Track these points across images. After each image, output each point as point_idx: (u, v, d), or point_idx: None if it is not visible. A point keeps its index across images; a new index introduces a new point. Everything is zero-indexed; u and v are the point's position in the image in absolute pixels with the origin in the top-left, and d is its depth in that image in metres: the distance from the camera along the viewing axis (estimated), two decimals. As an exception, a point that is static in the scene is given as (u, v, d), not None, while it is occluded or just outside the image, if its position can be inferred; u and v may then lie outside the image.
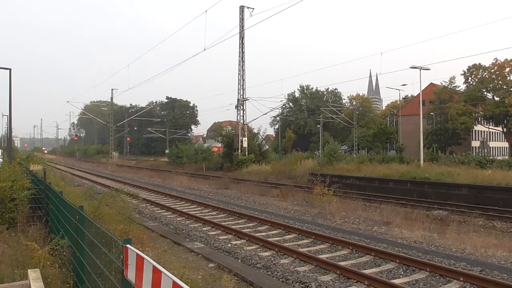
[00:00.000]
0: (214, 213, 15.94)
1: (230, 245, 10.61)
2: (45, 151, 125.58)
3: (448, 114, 54.66)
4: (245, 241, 11.11)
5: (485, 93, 55.58)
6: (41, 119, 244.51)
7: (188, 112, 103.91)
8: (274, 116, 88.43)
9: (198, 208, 17.09)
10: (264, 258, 9.23)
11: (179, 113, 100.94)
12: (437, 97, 58.26)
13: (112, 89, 52.90)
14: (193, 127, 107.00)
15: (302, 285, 7.48)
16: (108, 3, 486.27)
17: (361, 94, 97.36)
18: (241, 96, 38.78)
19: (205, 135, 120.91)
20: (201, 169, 40.43)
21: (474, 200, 18.19)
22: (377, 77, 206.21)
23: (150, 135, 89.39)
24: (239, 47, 37.97)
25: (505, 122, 54.97)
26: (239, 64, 38.32)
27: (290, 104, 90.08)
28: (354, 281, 7.70)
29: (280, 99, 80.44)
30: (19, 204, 9.24)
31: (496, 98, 53.93)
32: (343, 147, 58.47)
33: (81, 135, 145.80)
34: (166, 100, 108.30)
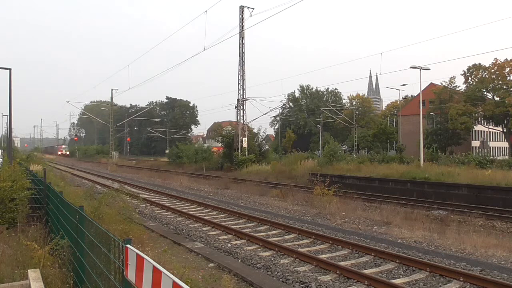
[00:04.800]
0: (214, 213, 15.94)
1: (230, 245, 10.61)
2: (65, 151, 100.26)
3: (448, 114, 54.69)
4: (245, 241, 11.11)
5: (485, 93, 55.61)
6: (41, 119, 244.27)
7: (188, 112, 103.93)
8: (274, 116, 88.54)
9: (198, 208, 17.09)
10: (264, 258, 9.23)
11: (179, 113, 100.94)
12: (437, 97, 58.30)
13: (112, 89, 52.98)
14: (193, 127, 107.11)
15: (302, 285, 7.48)
16: (108, 3, 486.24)
17: (361, 94, 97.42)
18: (241, 96, 38.79)
19: (205, 135, 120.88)
20: (201, 169, 40.42)
21: (474, 200, 18.19)
22: (377, 77, 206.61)
23: (150, 135, 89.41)
24: (239, 47, 37.99)
25: (505, 122, 55.02)
26: (239, 64, 38.35)
27: (290, 104, 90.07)
28: (354, 281, 7.70)
29: (280, 99, 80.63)
30: (19, 204, 9.23)
31: (496, 98, 53.95)
32: (343, 147, 58.46)
33: (81, 135, 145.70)
34: (166, 100, 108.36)
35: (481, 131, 66.03)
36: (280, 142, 79.84)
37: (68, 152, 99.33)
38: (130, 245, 3.38)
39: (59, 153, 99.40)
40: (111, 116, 54.04)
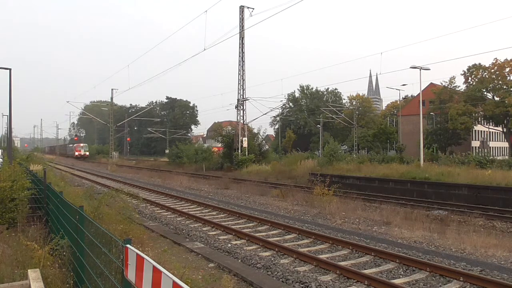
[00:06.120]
0: (214, 213, 15.94)
1: (230, 245, 10.61)
2: (84, 151, 76.10)
3: (448, 114, 54.71)
4: (245, 241, 11.11)
5: (485, 93, 55.65)
6: (41, 119, 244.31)
7: (188, 112, 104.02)
8: (274, 116, 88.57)
9: (198, 208, 17.09)
10: (264, 258, 9.23)
11: (179, 113, 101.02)
12: (437, 97, 58.33)
13: (112, 89, 53.04)
14: (193, 127, 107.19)
15: (302, 285, 7.48)
16: (108, 3, 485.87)
17: (361, 94, 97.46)
18: (241, 96, 38.79)
19: (205, 135, 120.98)
20: (201, 169, 40.43)
21: (474, 200, 18.19)
22: (377, 77, 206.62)
23: (150, 135, 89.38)
24: (239, 47, 38.00)
25: (505, 122, 55.03)
26: (239, 64, 38.35)
27: (290, 104, 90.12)
28: (354, 281, 7.71)
29: (280, 99, 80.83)
30: (19, 204, 9.23)
31: (496, 98, 53.98)
32: (343, 147, 58.49)
33: (81, 135, 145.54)
34: (166, 100, 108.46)
35: (481, 131, 66.04)
36: (280, 142, 79.88)
37: (87, 153, 76.29)
38: (130, 245, 3.38)
39: (76, 153, 76.33)
40: (111, 116, 54.08)
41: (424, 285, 7.63)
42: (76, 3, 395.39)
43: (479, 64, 54.87)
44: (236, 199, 20.19)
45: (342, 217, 14.81)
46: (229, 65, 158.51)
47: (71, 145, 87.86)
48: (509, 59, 52.69)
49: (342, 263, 8.79)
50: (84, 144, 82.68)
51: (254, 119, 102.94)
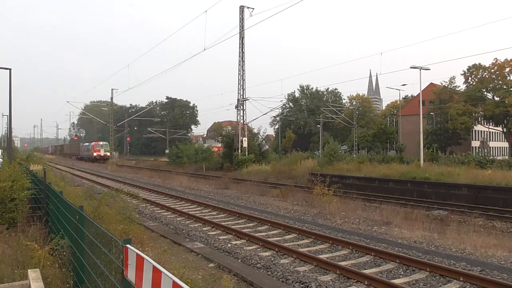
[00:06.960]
0: (214, 213, 15.94)
1: (230, 245, 10.61)
2: (104, 152, 61.09)
3: (448, 114, 54.74)
4: (245, 241, 11.11)
5: (485, 93, 55.68)
6: (41, 119, 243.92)
7: (188, 112, 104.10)
8: (274, 116, 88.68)
9: (198, 208, 17.09)
10: (264, 258, 9.23)
11: (179, 113, 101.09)
12: (437, 97, 58.37)
13: (112, 89, 53.13)
14: (193, 127, 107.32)
15: (302, 285, 7.48)
16: (108, 3, 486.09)
17: (361, 94, 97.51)
18: (241, 96, 38.78)
19: (205, 135, 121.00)
20: (201, 169, 40.42)
21: (474, 200, 18.19)
22: (377, 77, 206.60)
23: (150, 135, 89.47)
24: (239, 47, 37.99)
25: (505, 122, 55.05)
26: (239, 64, 38.34)
27: (290, 104, 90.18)
28: (354, 281, 7.70)
29: (280, 99, 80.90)
30: (19, 204, 9.24)
31: (496, 98, 54.01)
32: (343, 147, 58.50)
33: (81, 135, 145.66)
34: (166, 100, 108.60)
35: (481, 131, 66.06)
36: (280, 142, 79.93)
37: (108, 153, 60.07)
38: (130, 245, 3.38)
39: (95, 154, 61.52)
40: (111, 116, 54.10)
41: (424, 285, 7.62)
42: (76, 3, 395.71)
43: (479, 64, 54.91)
44: (236, 199, 20.18)
45: (342, 217, 14.81)
46: (229, 65, 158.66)
47: (87, 143, 70.58)
48: (509, 59, 52.77)
49: (342, 263, 8.79)
50: (104, 143, 64.31)
51: (254, 119, 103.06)
